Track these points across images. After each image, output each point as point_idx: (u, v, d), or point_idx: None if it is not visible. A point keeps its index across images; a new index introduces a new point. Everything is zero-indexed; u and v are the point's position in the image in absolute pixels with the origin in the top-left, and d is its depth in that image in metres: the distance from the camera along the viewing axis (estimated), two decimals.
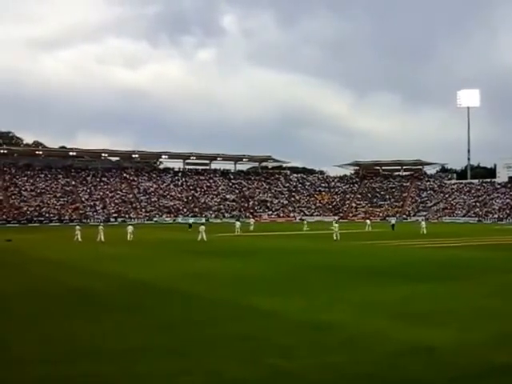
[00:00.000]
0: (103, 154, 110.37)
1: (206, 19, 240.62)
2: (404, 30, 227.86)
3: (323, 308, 15.22)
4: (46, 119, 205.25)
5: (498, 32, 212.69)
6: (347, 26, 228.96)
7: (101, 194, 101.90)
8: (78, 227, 48.02)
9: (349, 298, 16.74)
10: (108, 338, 11.93)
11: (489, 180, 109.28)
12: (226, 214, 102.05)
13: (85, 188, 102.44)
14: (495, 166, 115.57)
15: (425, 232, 53.37)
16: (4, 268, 26.30)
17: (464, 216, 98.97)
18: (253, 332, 12.38)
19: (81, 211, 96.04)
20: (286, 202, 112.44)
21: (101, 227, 47.03)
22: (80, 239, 45.31)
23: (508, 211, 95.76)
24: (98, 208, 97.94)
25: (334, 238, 43.37)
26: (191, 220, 67.98)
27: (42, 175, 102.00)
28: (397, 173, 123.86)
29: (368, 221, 71.13)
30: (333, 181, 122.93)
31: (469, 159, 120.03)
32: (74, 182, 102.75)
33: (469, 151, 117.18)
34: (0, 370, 9.84)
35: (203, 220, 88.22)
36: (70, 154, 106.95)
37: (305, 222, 70.37)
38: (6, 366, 10.01)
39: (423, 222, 59.37)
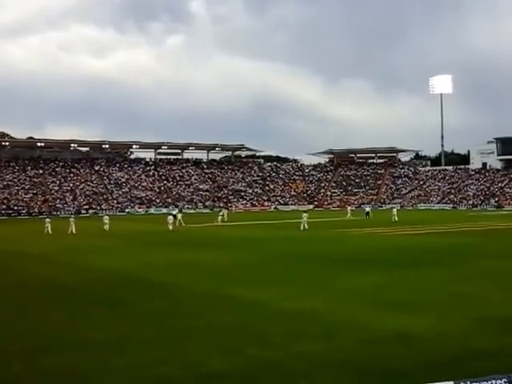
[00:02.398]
0: (72, 145, 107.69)
1: (173, 4, 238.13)
2: (375, 15, 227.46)
3: (301, 296, 15.20)
4: (11, 109, 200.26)
5: (469, 16, 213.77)
6: (318, 11, 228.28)
7: (71, 185, 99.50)
8: (47, 219, 47.61)
9: (326, 286, 16.78)
10: (86, 330, 11.83)
11: (463, 166, 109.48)
12: (200, 204, 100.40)
13: (54, 180, 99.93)
14: (469, 152, 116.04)
15: (396, 219, 53.52)
16: None
17: (439, 203, 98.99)
18: (232, 322, 12.38)
19: (50, 203, 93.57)
20: (260, 191, 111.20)
21: (72, 219, 46.46)
22: (50, 231, 44.64)
23: (482, 197, 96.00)
24: (68, 200, 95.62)
25: (302, 228, 42.37)
26: (174, 211, 66.22)
27: (10, 167, 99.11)
28: (371, 160, 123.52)
29: (349, 208, 70.02)
30: (307, 169, 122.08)
31: (442, 146, 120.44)
32: (42, 174, 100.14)
33: (442, 138, 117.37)
34: None
35: (174, 211, 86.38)
36: (38, 144, 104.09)
37: (394, 209, 60.63)
38: None
39: (394, 210, 59.15)
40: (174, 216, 60.85)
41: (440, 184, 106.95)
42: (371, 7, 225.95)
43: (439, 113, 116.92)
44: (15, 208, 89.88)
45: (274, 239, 35.54)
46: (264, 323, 12.32)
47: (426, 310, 13.20)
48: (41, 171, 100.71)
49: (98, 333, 11.60)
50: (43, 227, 45.48)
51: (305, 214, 44.05)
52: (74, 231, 43.81)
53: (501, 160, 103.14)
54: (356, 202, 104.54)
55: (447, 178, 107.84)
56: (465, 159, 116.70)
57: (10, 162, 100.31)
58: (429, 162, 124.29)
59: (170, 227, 45.92)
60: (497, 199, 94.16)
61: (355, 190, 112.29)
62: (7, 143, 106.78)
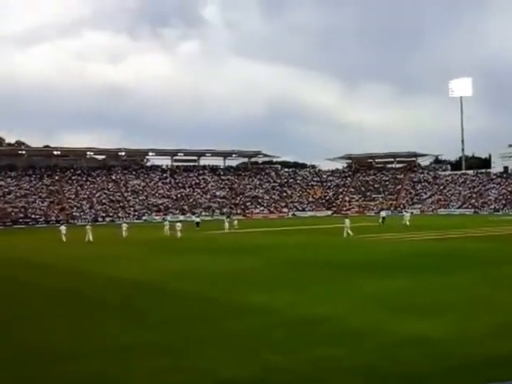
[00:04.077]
0: (88, 153, 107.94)
1: (187, 10, 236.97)
2: (393, 18, 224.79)
3: (318, 302, 15.03)
4: (27, 118, 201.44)
5: (489, 18, 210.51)
6: (334, 14, 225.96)
7: (87, 193, 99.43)
8: (62, 227, 47.86)
9: (343, 291, 16.61)
10: (99, 336, 11.81)
11: (484, 170, 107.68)
12: (217, 211, 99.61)
13: (70, 188, 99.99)
14: (490, 156, 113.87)
15: (407, 224, 53.54)
16: None
17: (459, 208, 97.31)
18: (246, 328, 12.28)
19: (67, 212, 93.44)
20: (277, 197, 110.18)
21: (88, 227, 46.48)
22: (64, 239, 44.64)
23: (504, 202, 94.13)
24: (84, 208, 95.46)
25: (345, 234, 40.94)
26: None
27: (27, 176, 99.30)
28: (390, 165, 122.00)
29: (383, 212, 69.00)
30: (325, 175, 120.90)
31: (463, 150, 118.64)
32: (59, 182, 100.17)
33: (463, 141, 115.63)
34: None
35: (181, 218, 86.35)
36: (55, 153, 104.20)
37: (407, 214, 61.21)
38: None
39: (407, 214, 58.84)
40: (197, 224, 60.60)
41: (461, 188, 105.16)
42: (389, 11, 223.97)
43: (459, 116, 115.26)
44: (32, 216, 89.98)
45: (290, 245, 35.12)
46: (279, 329, 12.11)
47: (446, 315, 12.96)
48: (57, 180, 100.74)
49: (116, 340, 11.55)
50: (60, 235, 45.44)
51: (347, 220, 42.74)
52: (91, 239, 43.71)
53: None
54: (375, 208, 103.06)
55: (468, 182, 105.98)
56: (486, 163, 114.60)
57: (26, 170, 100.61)
58: (449, 167, 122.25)
59: (179, 234, 45.94)
60: None
61: (374, 196, 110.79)
62: (24, 152, 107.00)
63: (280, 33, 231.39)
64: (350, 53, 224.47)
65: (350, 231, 40.84)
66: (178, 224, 48.23)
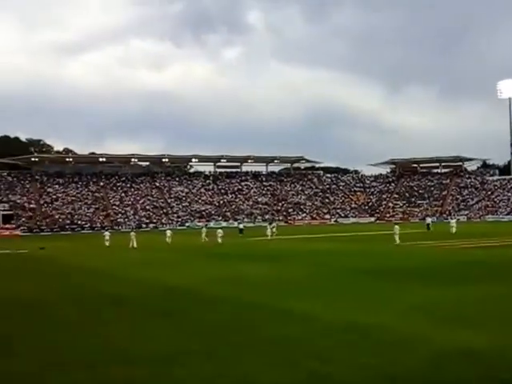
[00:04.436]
0: (133, 159, 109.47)
1: (230, 16, 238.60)
2: (436, 19, 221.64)
3: (362, 310, 14.73)
4: (74, 125, 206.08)
5: None
6: (376, 17, 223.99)
7: (131, 200, 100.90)
8: (106, 233, 49.15)
9: (386, 300, 16.30)
10: (144, 343, 11.81)
11: None
12: (259, 218, 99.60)
13: (115, 194, 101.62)
14: None
15: (453, 231, 52.04)
16: (41, 276, 26.32)
17: (508, 214, 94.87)
18: (289, 335, 12.04)
19: (112, 218, 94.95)
20: (319, 203, 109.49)
21: (133, 233, 47.04)
22: (108, 245, 45.71)
23: None
24: (129, 214, 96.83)
25: (397, 240, 40.20)
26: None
27: (73, 183, 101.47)
28: (435, 170, 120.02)
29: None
30: (368, 180, 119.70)
31: None
32: (104, 189, 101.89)
33: (511, 145, 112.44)
34: (40, 373, 9.86)
35: (223, 224, 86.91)
36: (100, 159, 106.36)
37: (453, 221, 58.02)
38: (44, 370, 10.02)
39: (452, 221, 57.13)
40: (241, 230, 60.75)
41: (509, 194, 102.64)
42: (432, 11, 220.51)
43: (508, 119, 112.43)
44: (78, 223, 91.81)
45: (332, 252, 34.79)
46: (322, 337, 11.90)
47: (490, 326, 12.57)
48: (102, 186, 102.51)
49: (158, 345, 11.50)
50: (103, 241, 46.35)
51: (396, 227, 42.06)
52: (135, 245, 44.22)
53: None
54: (419, 214, 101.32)
55: None
56: None
57: (73, 177, 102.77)
58: (497, 171, 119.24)
59: (220, 240, 46.19)
60: None
61: (419, 202, 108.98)
62: (71, 159, 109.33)
63: (322, 37, 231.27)
64: (393, 55, 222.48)
65: (397, 238, 40.00)
66: (219, 230, 48.42)
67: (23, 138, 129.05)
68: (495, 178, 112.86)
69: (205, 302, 17.01)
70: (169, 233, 50.90)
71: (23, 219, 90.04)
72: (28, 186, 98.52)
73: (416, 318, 13.64)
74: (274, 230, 57.40)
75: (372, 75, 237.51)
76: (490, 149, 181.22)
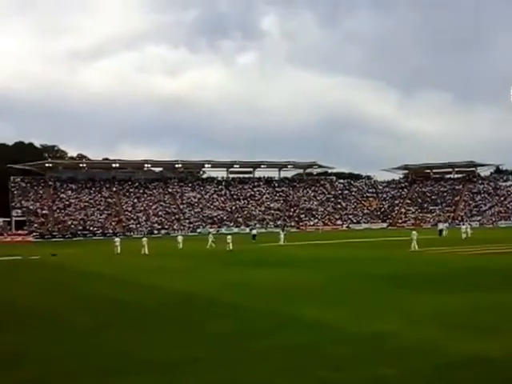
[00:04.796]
0: (146, 165, 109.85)
1: (244, 22, 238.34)
2: (450, 24, 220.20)
3: (373, 317, 14.69)
4: (88, 131, 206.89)
5: None
6: (390, 22, 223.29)
7: (144, 205, 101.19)
8: (116, 239, 49.12)
9: (398, 307, 16.20)
10: (157, 350, 11.84)
11: None
12: (271, 223, 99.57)
13: (128, 200, 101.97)
14: None
15: (464, 237, 52.40)
16: (53, 283, 26.51)
17: None
18: (301, 343, 12.05)
19: (124, 224, 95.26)
20: (331, 209, 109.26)
21: (144, 239, 46.89)
22: (119, 251, 45.63)
23: None
24: (141, 220, 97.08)
25: (412, 247, 40.06)
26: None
27: (86, 188, 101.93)
28: (448, 176, 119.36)
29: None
30: (380, 186, 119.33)
31: None
32: (117, 194, 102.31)
33: None
34: (50, 381, 10.00)
35: (235, 230, 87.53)
36: (113, 165, 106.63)
37: (464, 226, 58.52)
38: (58, 379, 10.11)
39: (463, 227, 57.18)
40: (254, 236, 60.71)
41: None
42: (446, 16, 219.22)
43: None
44: (91, 229, 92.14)
45: (344, 259, 34.60)
46: (334, 345, 11.88)
47: (503, 333, 12.50)
48: (115, 192, 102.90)
49: (173, 353, 11.57)
50: (113, 248, 46.29)
51: (414, 233, 41.95)
52: (146, 252, 44.08)
53: None
54: (432, 220, 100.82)
55: None
56: None
57: (86, 183, 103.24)
58: (510, 177, 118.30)
59: (230, 247, 46.01)
60: None
61: (431, 208, 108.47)
62: (84, 165, 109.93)
63: (335, 42, 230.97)
64: (406, 60, 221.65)
65: (416, 245, 39.83)
66: (229, 237, 48.23)
67: (37, 143, 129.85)
68: (508, 183, 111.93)
69: (217, 309, 17.04)
70: (180, 238, 51.14)
71: (35, 225, 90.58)
72: (41, 191, 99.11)
73: (429, 325, 13.59)
74: (281, 236, 55.69)
75: (386, 80, 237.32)
76: (504, 154, 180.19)
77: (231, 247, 45.92)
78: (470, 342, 11.61)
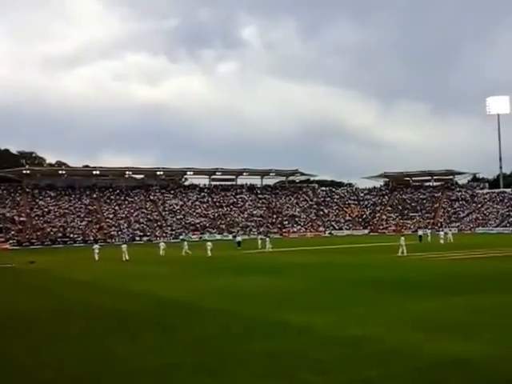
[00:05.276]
0: (127, 172, 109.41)
1: (225, 31, 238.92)
2: (428, 36, 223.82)
3: (356, 322, 14.93)
4: (68, 138, 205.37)
5: None
6: (371, 34, 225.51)
7: (125, 212, 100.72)
8: (96, 246, 48.97)
9: (380, 312, 16.43)
10: (141, 356, 11.86)
11: None
12: (254, 230, 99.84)
13: (109, 207, 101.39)
14: None
15: (442, 242, 54.39)
16: (32, 290, 26.24)
17: (498, 226, 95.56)
18: (285, 348, 12.16)
19: (105, 231, 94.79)
20: (314, 216, 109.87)
21: (124, 246, 46.95)
22: (97, 258, 45.44)
23: None
24: (122, 227, 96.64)
25: (399, 253, 40.66)
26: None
27: (66, 195, 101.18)
28: (427, 183, 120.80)
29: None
30: (362, 193, 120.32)
31: (501, 168, 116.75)
32: (97, 202, 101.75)
33: (500, 159, 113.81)
34: None
35: (217, 237, 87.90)
36: (94, 172, 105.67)
37: (442, 233, 60.54)
38: None
39: (441, 233, 59.31)
40: (239, 243, 60.76)
41: (499, 207, 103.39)
42: (424, 29, 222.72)
43: (497, 134, 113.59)
44: (71, 236, 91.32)
45: (327, 265, 34.95)
46: (317, 349, 12.01)
47: (481, 336, 12.77)
48: (96, 198, 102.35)
49: (151, 359, 11.57)
50: (93, 254, 46.04)
51: (402, 238, 42.61)
52: (127, 258, 44.12)
53: None
54: (412, 227, 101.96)
55: (506, 200, 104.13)
56: None
57: (66, 190, 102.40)
58: (487, 185, 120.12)
59: (209, 253, 46.43)
60: None
61: (411, 214, 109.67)
62: (64, 172, 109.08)
63: (316, 53, 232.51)
64: (386, 72, 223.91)
65: (405, 249, 40.52)
66: (209, 243, 48.53)
67: (14, 150, 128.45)
68: (485, 191, 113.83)
69: (200, 315, 16.99)
70: (162, 245, 50.98)
71: (13, 232, 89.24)
72: (18, 198, 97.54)
73: (410, 329, 13.85)
74: (266, 243, 53.96)
75: (366, 90, 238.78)
76: (480, 163, 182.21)
77: (210, 254, 46.04)
78: (448, 345, 11.91)
